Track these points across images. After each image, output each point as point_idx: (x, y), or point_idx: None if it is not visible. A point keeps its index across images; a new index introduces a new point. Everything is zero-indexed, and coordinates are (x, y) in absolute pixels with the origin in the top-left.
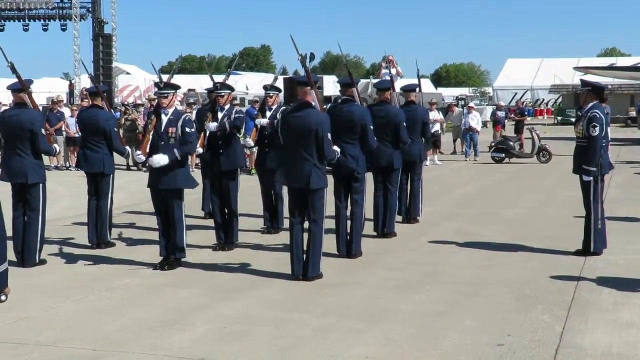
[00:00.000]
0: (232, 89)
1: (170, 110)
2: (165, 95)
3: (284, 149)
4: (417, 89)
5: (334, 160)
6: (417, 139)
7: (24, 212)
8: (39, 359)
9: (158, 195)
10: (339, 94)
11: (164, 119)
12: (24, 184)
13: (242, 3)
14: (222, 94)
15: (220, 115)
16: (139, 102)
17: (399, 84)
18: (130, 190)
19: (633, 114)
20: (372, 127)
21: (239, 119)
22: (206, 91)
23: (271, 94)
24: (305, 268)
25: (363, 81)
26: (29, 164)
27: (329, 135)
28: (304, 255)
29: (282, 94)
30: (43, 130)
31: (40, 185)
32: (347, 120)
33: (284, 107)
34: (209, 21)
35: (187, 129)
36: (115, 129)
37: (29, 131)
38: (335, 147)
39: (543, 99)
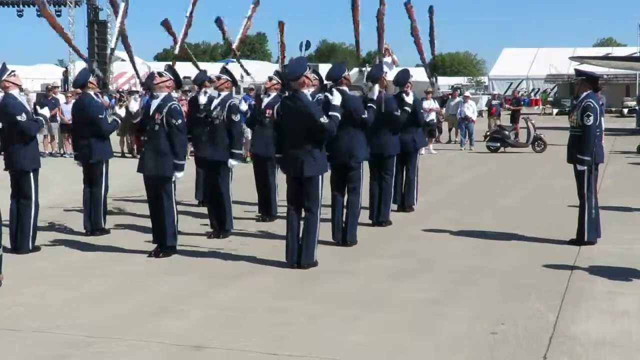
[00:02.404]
0: (232, 77)
1: (162, 95)
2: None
3: (285, 135)
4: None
5: (334, 133)
6: (411, 128)
7: (18, 199)
8: (33, 346)
9: (147, 181)
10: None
11: (154, 103)
12: (17, 171)
13: None
14: (221, 78)
15: (214, 102)
16: (134, 89)
17: (394, 73)
18: (126, 177)
19: (628, 104)
20: (365, 115)
21: (233, 111)
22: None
23: (272, 79)
24: (299, 255)
25: (358, 69)
26: (17, 150)
27: (324, 117)
28: (299, 243)
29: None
30: (21, 117)
31: (31, 172)
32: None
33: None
34: (205, 8)
35: (173, 120)
36: (101, 116)
37: (11, 115)
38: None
39: (539, 89)
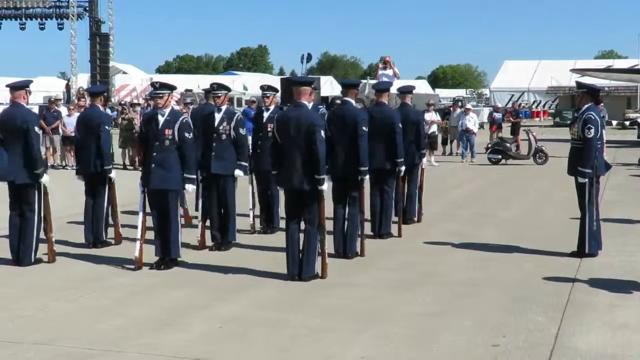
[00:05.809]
0: (228, 89)
1: (167, 111)
2: (161, 95)
3: (280, 150)
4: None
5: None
6: (413, 141)
7: (21, 211)
8: (34, 358)
9: (153, 194)
10: (337, 94)
11: (161, 119)
12: (17, 184)
13: (240, 3)
14: (219, 94)
15: (217, 116)
16: (135, 101)
17: (395, 85)
18: (127, 189)
19: (630, 116)
20: (365, 128)
21: (240, 125)
22: (203, 91)
23: (268, 95)
24: (300, 268)
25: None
26: (20, 163)
27: (322, 132)
28: (300, 255)
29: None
30: (37, 130)
31: (35, 185)
32: (343, 121)
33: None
34: (206, 21)
35: (186, 134)
36: (107, 127)
37: (22, 130)
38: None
39: (540, 101)
